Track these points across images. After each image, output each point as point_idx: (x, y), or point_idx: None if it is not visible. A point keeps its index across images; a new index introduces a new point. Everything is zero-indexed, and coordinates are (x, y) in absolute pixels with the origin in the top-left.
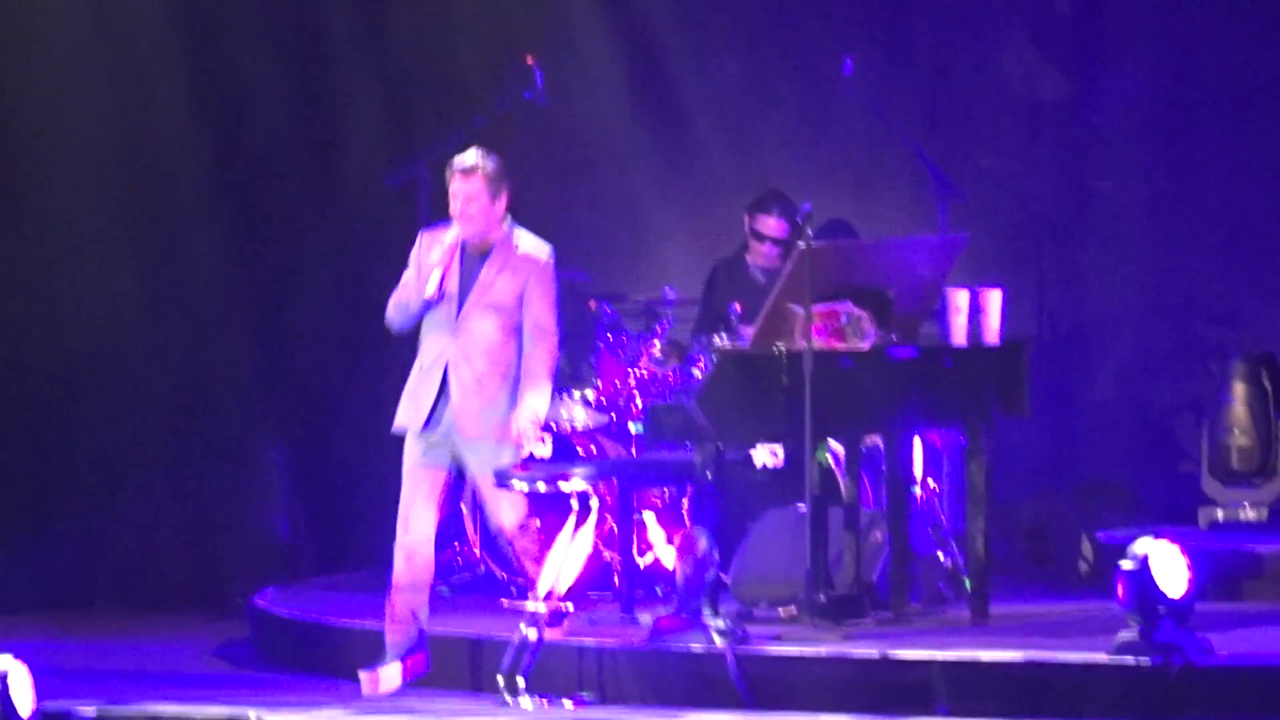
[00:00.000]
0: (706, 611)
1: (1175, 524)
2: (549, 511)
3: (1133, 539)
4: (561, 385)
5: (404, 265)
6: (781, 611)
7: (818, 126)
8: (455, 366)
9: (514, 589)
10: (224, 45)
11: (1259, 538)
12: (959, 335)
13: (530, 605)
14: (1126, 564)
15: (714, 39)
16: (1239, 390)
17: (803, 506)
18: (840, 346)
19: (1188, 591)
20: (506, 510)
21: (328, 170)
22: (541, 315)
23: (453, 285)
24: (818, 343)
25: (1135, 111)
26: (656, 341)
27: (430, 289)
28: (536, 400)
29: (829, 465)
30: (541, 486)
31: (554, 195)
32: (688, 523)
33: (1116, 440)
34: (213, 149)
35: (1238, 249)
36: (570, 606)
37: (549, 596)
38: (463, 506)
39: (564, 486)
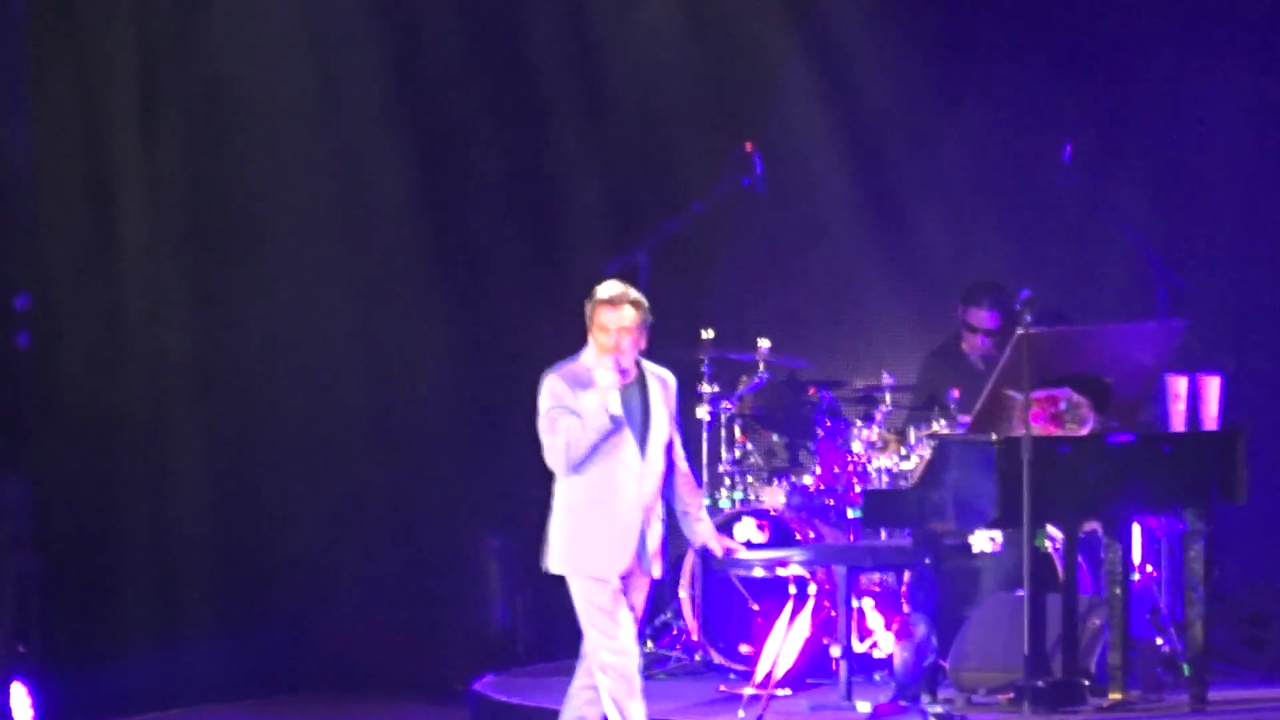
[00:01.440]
0: (925, 698)
1: None
2: (768, 596)
3: None
4: (776, 472)
5: None
6: (1000, 698)
7: (1036, 213)
8: (647, 505)
9: (732, 674)
10: (446, 131)
11: None
12: (1178, 421)
13: (748, 690)
14: None
15: (933, 127)
16: None
17: (1021, 592)
18: (1059, 432)
19: None
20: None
21: (548, 256)
22: (679, 439)
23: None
24: (1036, 428)
25: None
26: (875, 428)
27: (616, 407)
28: (711, 528)
29: (1047, 551)
30: (759, 571)
31: (772, 282)
32: (906, 608)
33: None
34: (434, 236)
35: None
36: (788, 692)
37: (766, 682)
38: (682, 593)
39: (782, 572)
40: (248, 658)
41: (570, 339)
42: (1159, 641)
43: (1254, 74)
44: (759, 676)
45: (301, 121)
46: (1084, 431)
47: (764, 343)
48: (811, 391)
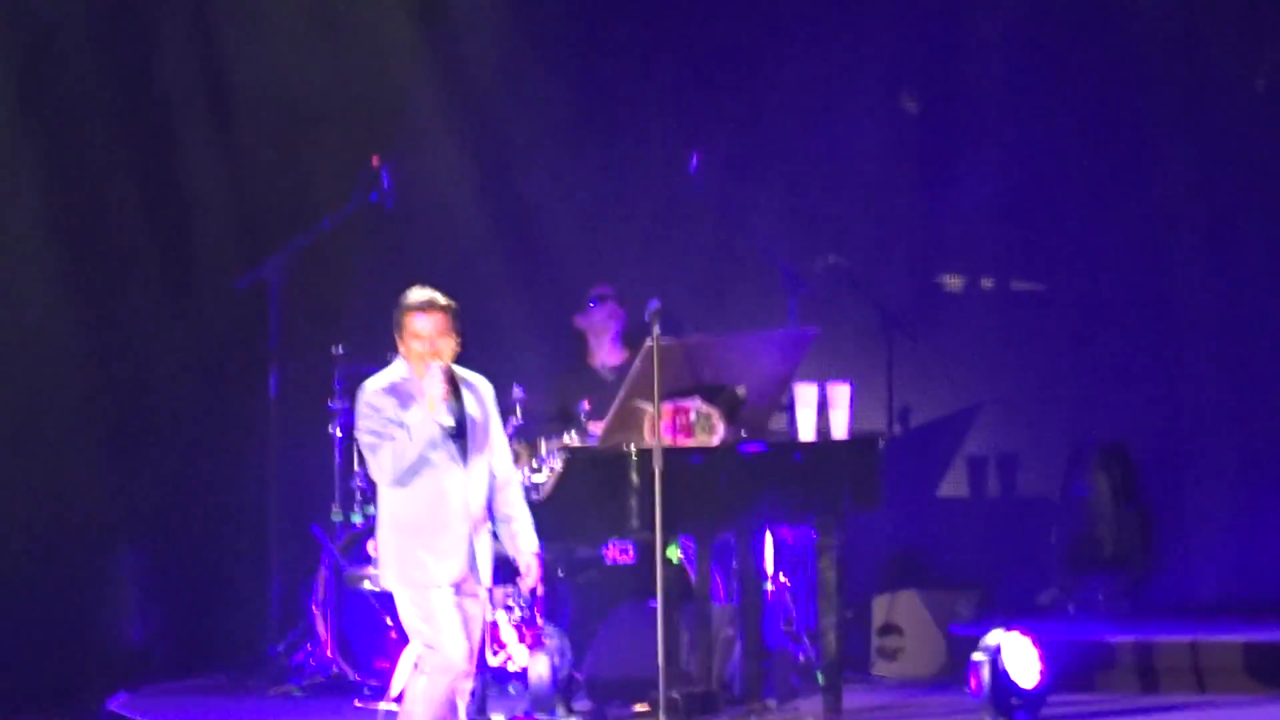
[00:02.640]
0: (560, 709)
1: (1028, 616)
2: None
3: (986, 631)
4: None
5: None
6: (635, 707)
7: (668, 224)
8: (471, 510)
9: (367, 689)
10: (76, 146)
11: (1111, 628)
12: (808, 430)
13: (384, 705)
14: (979, 656)
15: (563, 138)
16: (1097, 480)
17: (655, 603)
18: (690, 443)
19: (1040, 683)
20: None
21: (178, 273)
22: (506, 446)
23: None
24: (667, 439)
25: (984, 205)
26: None
27: (446, 417)
28: (533, 535)
29: (680, 561)
30: None
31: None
32: (540, 621)
33: (970, 533)
34: (64, 253)
35: (1088, 338)
36: None
37: (401, 697)
38: (315, 609)
39: None
40: None
41: (201, 353)
42: (793, 650)
43: (886, 84)
44: (394, 691)
45: None
46: (715, 441)
47: (393, 357)
48: None
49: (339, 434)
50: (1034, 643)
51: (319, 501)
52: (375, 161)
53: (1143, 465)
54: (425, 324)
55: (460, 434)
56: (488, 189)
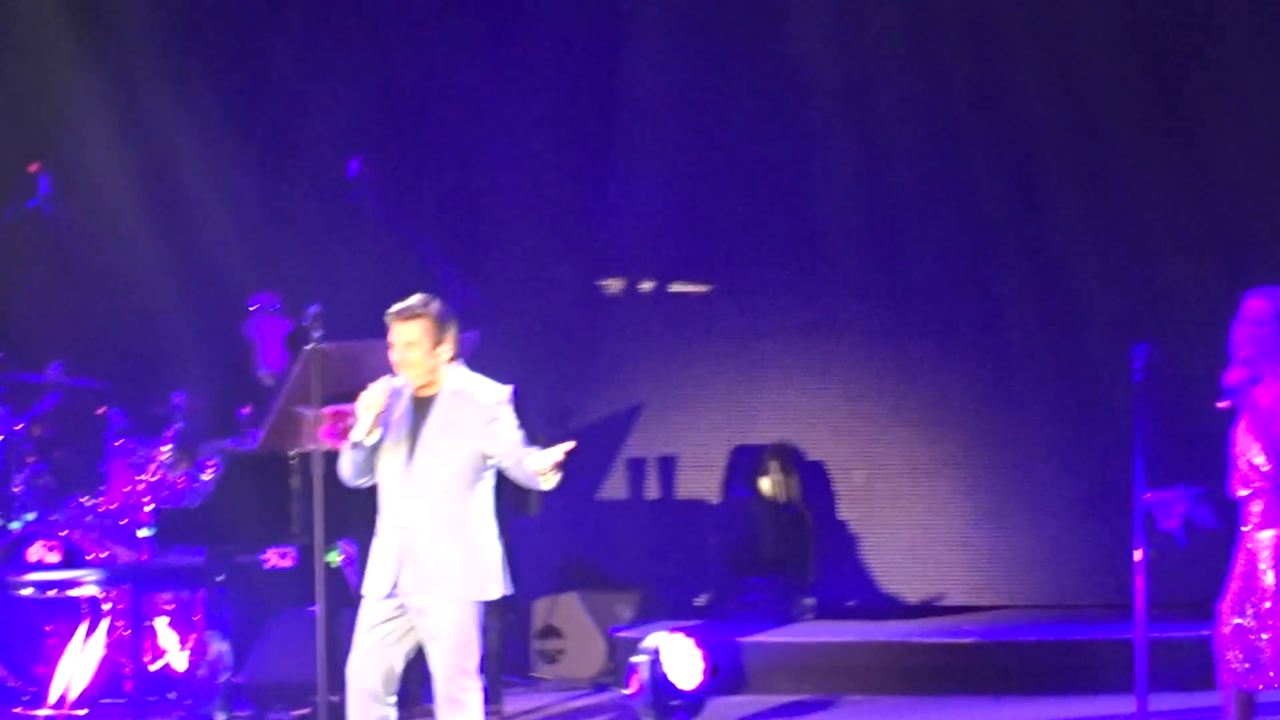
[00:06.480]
0: (220, 715)
1: (690, 618)
2: (61, 617)
3: (646, 633)
4: (69, 493)
5: None
6: (296, 712)
7: (331, 229)
8: (411, 526)
9: (26, 695)
10: None
11: (768, 631)
12: None
13: (44, 712)
14: (639, 658)
15: (224, 142)
16: (758, 482)
17: (315, 608)
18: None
19: (701, 684)
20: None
21: None
22: (514, 440)
23: (400, 437)
24: (327, 444)
25: (647, 209)
26: (166, 446)
27: (360, 434)
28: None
29: (340, 566)
30: (52, 592)
31: (65, 304)
32: (201, 627)
33: (630, 535)
34: None
35: (753, 339)
36: (83, 713)
37: (61, 703)
38: None
39: (75, 593)
40: None
41: None
42: None
43: (552, 90)
44: (53, 697)
45: None
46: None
47: (54, 364)
48: (102, 411)
49: None
50: (695, 644)
51: None
52: (34, 168)
53: (805, 469)
54: (395, 332)
55: (407, 441)
56: (149, 194)
